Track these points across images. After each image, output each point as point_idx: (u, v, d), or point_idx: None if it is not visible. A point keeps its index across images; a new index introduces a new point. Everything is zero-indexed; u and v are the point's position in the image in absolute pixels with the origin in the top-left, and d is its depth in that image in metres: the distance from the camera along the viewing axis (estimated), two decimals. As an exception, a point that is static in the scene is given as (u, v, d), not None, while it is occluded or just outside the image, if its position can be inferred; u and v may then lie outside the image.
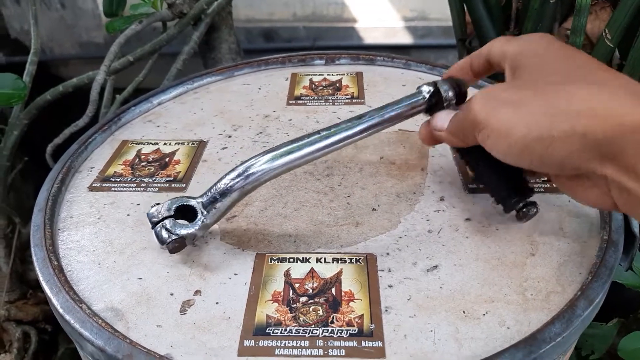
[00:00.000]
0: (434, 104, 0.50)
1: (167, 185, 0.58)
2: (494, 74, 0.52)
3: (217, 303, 0.45)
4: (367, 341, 0.41)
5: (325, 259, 0.48)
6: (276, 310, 0.43)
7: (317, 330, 0.42)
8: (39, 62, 0.94)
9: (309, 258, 0.48)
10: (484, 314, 0.42)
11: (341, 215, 0.53)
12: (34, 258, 0.49)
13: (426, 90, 0.50)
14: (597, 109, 0.36)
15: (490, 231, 0.50)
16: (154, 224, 0.48)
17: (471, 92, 0.48)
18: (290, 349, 0.40)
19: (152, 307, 0.45)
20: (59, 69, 2.00)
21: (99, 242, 0.52)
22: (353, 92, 0.75)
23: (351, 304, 0.44)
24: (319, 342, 0.41)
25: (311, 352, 0.40)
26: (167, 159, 0.62)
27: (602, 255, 0.46)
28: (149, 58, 1.02)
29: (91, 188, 0.59)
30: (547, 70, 0.42)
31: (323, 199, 0.55)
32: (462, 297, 0.44)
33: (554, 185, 0.54)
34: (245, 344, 0.41)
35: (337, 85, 0.77)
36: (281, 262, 0.48)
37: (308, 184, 0.58)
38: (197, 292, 0.46)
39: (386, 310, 0.43)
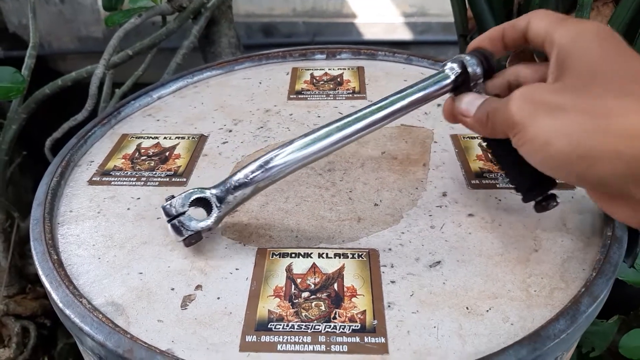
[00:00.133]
0: (460, 84, 0.48)
1: (168, 179, 0.58)
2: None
3: (218, 298, 0.44)
4: (369, 337, 0.40)
5: (327, 254, 0.48)
6: (278, 306, 0.43)
7: (319, 326, 0.41)
8: (37, 56, 0.94)
9: (311, 253, 0.48)
10: (487, 310, 0.42)
11: (343, 210, 0.53)
12: (34, 252, 0.48)
13: (452, 69, 0.47)
14: None
15: (493, 227, 0.50)
16: (170, 218, 0.47)
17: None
18: (293, 345, 0.40)
19: (152, 302, 0.44)
20: (57, 63, 2.00)
21: (99, 237, 0.51)
22: (354, 87, 0.74)
23: (353, 299, 0.43)
24: (322, 338, 0.40)
25: (313, 348, 0.40)
26: (167, 153, 0.62)
27: (606, 251, 0.45)
28: (148, 52, 1.01)
29: (91, 182, 0.58)
30: (601, 74, 0.38)
31: (325, 194, 0.55)
32: (465, 293, 0.44)
33: (558, 181, 0.54)
34: (247, 340, 0.41)
35: (339, 80, 0.76)
36: (283, 257, 0.48)
37: (309, 178, 0.57)
38: (198, 287, 0.45)
39: (389, 306, 0.43)
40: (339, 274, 0.46)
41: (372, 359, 0.39)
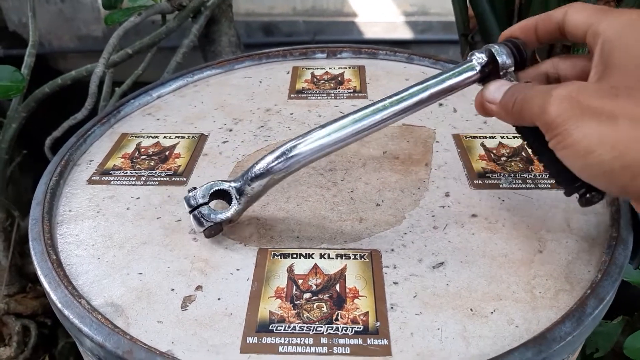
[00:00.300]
0: (488, 74, 0.46)
1: (168, 179, 0.57)
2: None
3: (219, 299, 0.44)
4: (372, 339, 0.40)
5: (329, 254, 0.47)
6: (279, 307, 0.43)
7: (321, 327, 0.41)
8: (37, 55, 0.93)
9: (312, 254, 0.47)
10: (491, 312, 0.42)
11: (345, 210, 0.52)
12: (32, 252, 0.48)
13: (479, 59, 0.46)
14: None
15: (496, 228, 0.50)
16: (191, 209, 0.47)
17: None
18: (294, 347, 0.40)
19: (152, 303, 0.44)
20: (57, 62, 1.99)
21: (98, 236, 0.51)
22: (355, 86, 0.74)
23: (356, 300, 0.43)
24: (324, 340, 0.40)
25: (315, 350, 0.39)
26: (167, 153, 0.61)
27: (612, 253, 0.45)
28: (148, 51, 1.01)
29: (90, 181, 0.58)
30: None
31: (326, 194, 0.55)
32: (469, 294, 0.43)
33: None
34: (248, 341, 0.40)
35: (339, 79, 0.76)
36: (284, 257, 0.47)
37: (311, 178, 0.57)
38: (199, 288, 0.45)
39: (392, 308, 0.42)
40: (340, 275, 0.45)
41: (374, 361, 0.39)
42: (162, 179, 0.57)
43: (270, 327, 0.41)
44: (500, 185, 0.55)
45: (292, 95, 0.73)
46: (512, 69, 0.45)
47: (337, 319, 0.41)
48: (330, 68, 0.78)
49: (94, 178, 0.58)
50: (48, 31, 1.94)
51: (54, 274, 0.45)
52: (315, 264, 0.46)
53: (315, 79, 0.76)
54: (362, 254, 0.47)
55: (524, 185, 0.54)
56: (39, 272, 0.46)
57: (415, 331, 0.40)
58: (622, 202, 0.50)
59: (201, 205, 0.48)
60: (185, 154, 0.61)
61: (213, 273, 0.46)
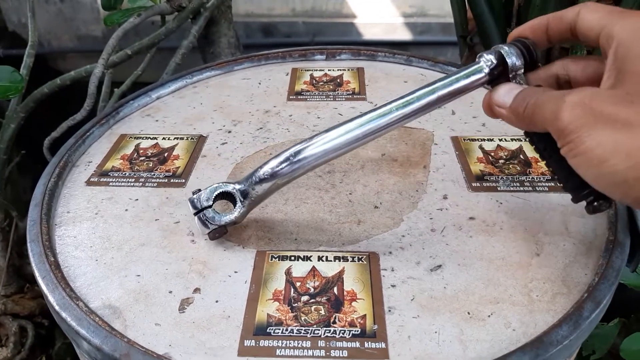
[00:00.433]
0: (497, 76, 0.45)
1: (166, 180, 0.57)
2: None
3: (216, 301, 0.44)
4: (370, 342, 0.40)
5: (326, 257, 0.47)
6: (277, 310, 0.43)
7: (319, 330, 0.41)
8: (36, 55, 0.93)
9: (310, 256, 0.47)
10: (489, 315, 0.42)
11: (343, 212, 0.52)
12: (30, 254, 0.48)
13: (487, 61, 0.45)
14: None
15: (494, 230, 0.50)
16: (196, 211, 0.48)
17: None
18: (292, 350, 0.40)
19: (150, 305, 0.44)
20: (56, 62, 1.99)
21: (96, 238, 0.51)
22: (354, 88, 0.74)
23: (353, 303, 0.43)
24: (321, 343, 0.40)
25: (313, 353, 0.39)
26: (166, 154, 0.62)
27: (609, 256, 0.45)
28: (148, 52, 1.01)
29: (89, 183, 0.58)
30: None
31: (324, 196, 0.55)
32: (466, 297, 0.43)
33: (559, 185, 0.53)
34: (245, 344, 0.40)
35: (338, 80, 0.76)
36: (282, 260, 0.47)
37: (309, 180, 0.57)
38: (197, 290, 0.45)
39: (389, 311, 0.42)
40: (338, 278, 0.45)
41: (372, 364, 0.39)
42: (160, 180, 0.57)
43: (267, 330, 0.41)
44: (498, 188, 0.55)
45: (291, 97, 0.73)
46: (522, 70, 0.44)
47: (334, 322, 0.41)
48: (329, 70, 0.79)
49: (92, 179, 0.58)
50: (47, 31, 1.94)
51: (52, 275, 0.45)
52: (314, 267, 0.46)
53: (314, 81, 0.76)
54: (360, 257, 0.47)
55: (521, 188, 0.54)
56: (36, 274, 0.46)
57: (413, 334, 0.40)
58: (619, 205, 0.50)
59: (206, 208, 0.48)
60: (184, 155, 0.61)
61: (211, 275, 0.46)
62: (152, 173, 0.58)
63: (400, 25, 2.01)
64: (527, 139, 0.46)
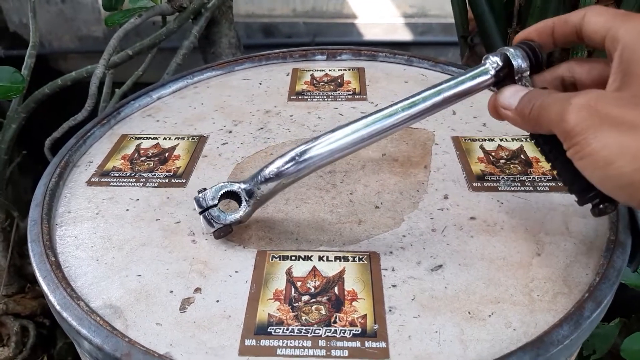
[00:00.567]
0: (503, 78, 0.45)
1: (167, 180, 0.57)
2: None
3: (217, 301, 0.44)
4: (370, 342, 0.40)
5: (327, 257, 0.47)
6: (278, 309, 0.43)
7: (319, 330, 0.41)
8: (37, 55, 0.93)
9: (311, 256, 0.47)
10: (489, 315, 0.42)
11: (343, 212, 0.52)
12: (31, 254, 0.48)
13: (493, 63, 0.45)
14: None
15: (495, 230, 0.50)
16: (201, 210, 0.48)
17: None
18: (292, 349, 0.40)
19: (151, 305, 0.44)
20: (57, 62, 1.99)
21: (97, 238, 0.51)
22: (355, 88, 0.74)
23: (354, 303, 0.43)
24: (322, 343, 0.40)
25: (313, 353, 0.39)
26: (166, 154, 0.62)
27: (610, 256, 0.45)
28: (149, 52, 1.01)
29: (89, 183, 0.58)
30: None
31: (325, 196, 0.55)
32: (467, 297, 0.43)
33: (560, 184, 0.53)
34: (246, 344, 0.40)
35: (339, 81, 0.76)
36: (283, 259, 0.47)
37: (310, 180, 0.57)
38: (197, 290, 0.45)
39: (390, 310, 0.42)
40: (339, 277, 0.45)
41: (372, 364, 0.39)
42: (161, 180, 0.57)
43: (268, 330, 0.41)
44: (499, 188, 0.55)
45: (291, 97, 0.73)
46: (528, 72, 0.45)
47: (335, 322, 0.41)
48: (330, 70, 0.79)
49: (93, 179, 0.58)
50: (49, 31, 1.94)
51: (53, 275, 0.45)
52: (314, 267, 0.46)
53: (314, 81, 0.76)
54: (360, 257, 0.47)
55: (522, 188, 0.54)
56: (37, 274, 0.46)
57: (413, 334, 0.40)
58: (620, 205, 0.50)
59: (211, 207, 0.48)
60: (184, 155, 0.61)
61: (212, 275, 0.46)
62: (153, 173, 0.58)
63: (401, 26, 2.01)
64: (533, 142, 0.46)
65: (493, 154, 0.59)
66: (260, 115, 0.69)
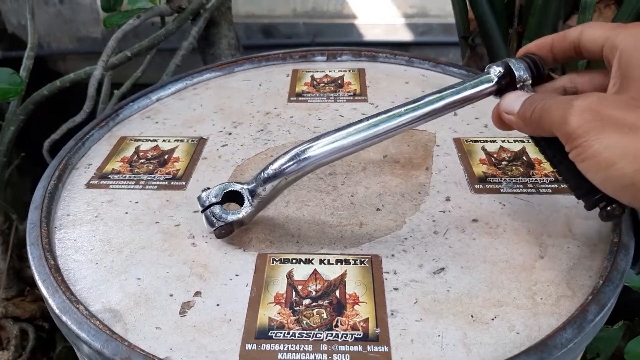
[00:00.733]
0: (504, 87, 0.46)
1: (167, 183, 0.57)
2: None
3: (217, 305, 0.43)
4: (372, 346, 0.39)
5: (328, 260, 0.47)
6: (278, 313, 0.42)
7: (321, 334, 0.40)
8: (36, 56, 0.93)
9: (312, 259, 0.47)
10: (492, 319, 0.41)
11: (345, 215, 0.52)
12: (30, 257, 0.48)
13: (496, 71, 0.46)
14: None
15: (497, 233, 0.49)
16: (203, 208, 0.48)
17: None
18: (294, 354, 0.39)
19: (151, 309, 0.43)
20: (56, 63, 1.99)
21: (96, 241, 0.50)
22: (355, 89, 0.74)
23: (356, 307, 0.42)
24: (323, 347, 0.39)
25: (315, 357, 0.39)
26: (166, 156, 0.61)
27: (613, 258, 0.45)
28: (147, 53, 1.01)
29: (89, 185, 0.57)
30: None
31: (326, 198, 0.54)
32: (469, 300, 0.43)
33: (563, 186, 0.53)
34: (247, 348, 0.40)
35: (339, 82, 0.76)
36: (283, 263, 0.47)
37: (310, 182, 0.56)
38: (197, 294, 0.45)
39: (392, 314, 0.42)
40: (340, 281, 0.45)
41: (375, 368, 0.38)
42: (160, 183, 0.57)
43: (269, 334, 0.41)
44: (501, 190, 0.54)
45: (291, 99, 0.73)
46: (529, 82, 0.46)
47: (336, 326, 0.41)
48: (330, 71, 0.78)
49: (92, 182, 0.58)
50: (47, 33, 1.94)
51: (52, 279, 0.45)
52: (315, 270, 0.46)
53: (315, 82, 0.76)
54: (362, 260, 0.47)
55: (525, 190, 0.54)
56: (36, 277, 0.46)
57: (416, 338, 0.40)
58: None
59: (213, 204, 0.48)
60: (184, 157, 0.61)
61: (212, 278, 0.46)
62: (152, 175, 0.58)
63: (401, 26, 2.01)
64: (537, 147, 0.46)
65: (495, 155, 0.59)
66: (260, 117, 0.69)
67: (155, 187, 0.57)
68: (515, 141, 0.61)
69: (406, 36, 2.02)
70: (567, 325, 0.40)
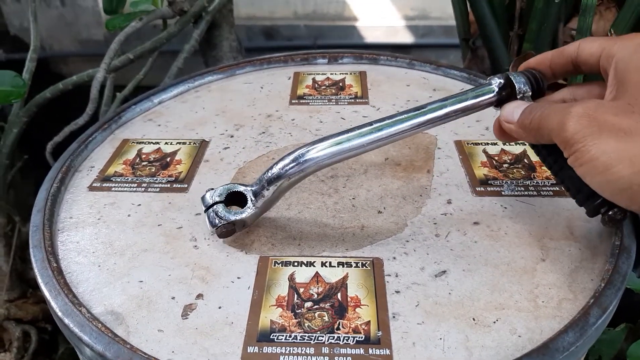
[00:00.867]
0: (505, 98, 0.48)
1: (169, 185, 0.57)
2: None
3: (219, 307, 0.44)
4: (374, 349, 0.39)
5: (330, 262, 0.47)
6: (280, 316, 0.42)
7: (322, 336, 0.40)
8: (38, 59, 0.93)
9: (314, 262, 0.47)
10: (494, 322, 0.41)
11: (346, 217, 0.52)
12: (33, 259, 0.48)
13: (497, 82, 0.48)
14: None
15: (499, 235, 0.49)
16: (206, 208, 0.48)
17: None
18: (295, 356, 0.39)
19: (153, 311, 0.44)
20: (58, 66, 1.99)
21: (99, 244, 0.50)
22: (357, 92, 0.74)
23: (357, 309, 0.42)
24: (325, 350, 0.40)
25: (317, 360, 0.39)
26: (168, 159, 0.61)
27: (615, 261, 0.45)
28: (149, 56, 1.01)
29: (91, 188, 0.58)
30: None
31: (327, 201, 0.54)
32: (471, 303, 0.43)
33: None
34: (248, 350, 0.40)
35: (341, 84, 0.76)
36: (285, 265, 0.47)
37: (312, 185, 0.56)
38: (200, 296, 0.45)
39: (394, 317, 0.42)
40: (342, 284, 0.45)
41: (376, 371, 0.38)
42: (163, 185, 0.57)
43: (271, 337, 0.41)
44: (503, 193, 0.54)
45: (293, 101, 0.73)
46: (529, 94, 0.47)
47: (338, 329, 0.41)
48: (331, 74, 0.78)
49: (95, 184, 0.58)
50: (49, 35, 1.94)
51: (55, 281, 0.45)
52: (317, 272, 0.46)
53: (316, 85, 0.76)
54: (363, 262, 0.47)
55: (526, 193, 0.54)
56: (39, 280, 0.46)
57: (417, 341, 0.40)
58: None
59: (217, 203, 0.48)
60: (186, 160, 0.61)
61: (214, 281, 0.46)
62: (155, 178, 0.58)
63: (402, 28, 2.01)
64: (538, 155, 0.48)
65: (496, 158, 0.59)
66: (261, 120, 0.69)
67: (158, 189, 0.57)
68: (516, 144, 0.61)
69: (407, 38, 2.01)
70: (569, 328, 0.40)
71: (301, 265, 0.47)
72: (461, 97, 0.48)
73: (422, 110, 0.47)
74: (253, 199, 0.48)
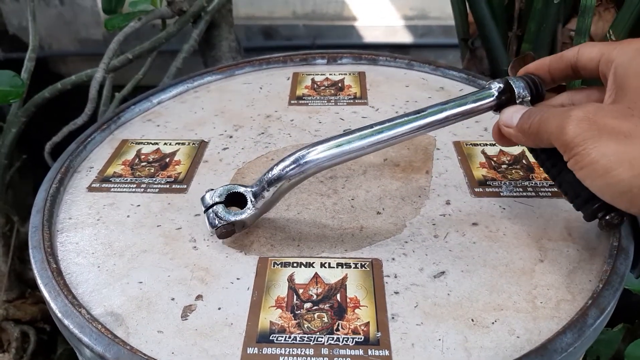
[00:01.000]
0: (504, 102, 0.48)
1: (168, 186, 0.57)
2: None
3: (219, 308, 0.44)
4: (373, 350, 0.40)
5: (329, 263, 0.47)
6: (280, 317, 0.42)
7: (322, 337, 0.41)
8: (37, 58, 0.93)
9: (313, 263, 0.47)
10: (493, 322, 0.41)
11: (345, 218, 0.52)
12: (32, 260, 0.48)
13: (496, 86, 0.48)
14: None
15: (497, 236, 0.49)
16: (206, 209, 0.48)
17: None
18: (295, 358, 0.39)
19: (152, 312, 0.44)
20: (57, 65, 1.99)
21: (98, 244, 0.50)
22: (356, 93, 0.74)
23: (357, 310, 0.43)
24: (324, 350, 0.40)
25: (316, 361, 0.39)
26: (167, 159, 0.61)
27: (613, 262, 0.45)
28: (148, 56, 1.01)
29: (90, 188, 0.58)
30: None
31: (326, 202, 0.54)
32: (470, 304, 0.43)
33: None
34: (248, 352, 0.40)
35: (340, 85, 0.76)
36: (284, 266, 0.47)
37: (311, 186, 0.56)
38: (199, 297, 0.45)
39: (393, 318, 0.42)
40: (341, 284, 0.45)
41: (375, 372, 0.39)
42: (162, 186, 0.57)
43: (270, 338, 0.41)
44: (501, 194, 0.54)
45: (292, 102, 0.73)
46: (528, 99, 0.47)
47: (337, 329, 0.41)
48: (330, 74, 0.78)
49: (94, 185, 0.58)
50: (48, 34, 1.94)
51: (54, 282, 0.45)
52: (316, 273, 0.46)
53: (315, 85, 0.76)
54: (363, 263, 0.47)
55: (524, 194, 0.54)
56: (38, 281, 0.46)
57: (416, 342, 0.40)
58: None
59: (217, 203, 0.48)
60: (185, 160, 0.61)
61: (213, 282, 0.46)
62: (154, 179, 0.58)
63: (401, 28, 2.01)
64: (536, 160, 0.48)
65: (495, 159, 0.59)
66: (260, 120, 0.69)
67: (157, 190, 0.57)
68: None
69: (406, 38, 2.01)
70: (567, 329, 0.40)
71: (300, 266, 0.47)
72: (461, 101, 0.48)
73: (423, 113, 0.48)
74: (253, 200, 0.49)
